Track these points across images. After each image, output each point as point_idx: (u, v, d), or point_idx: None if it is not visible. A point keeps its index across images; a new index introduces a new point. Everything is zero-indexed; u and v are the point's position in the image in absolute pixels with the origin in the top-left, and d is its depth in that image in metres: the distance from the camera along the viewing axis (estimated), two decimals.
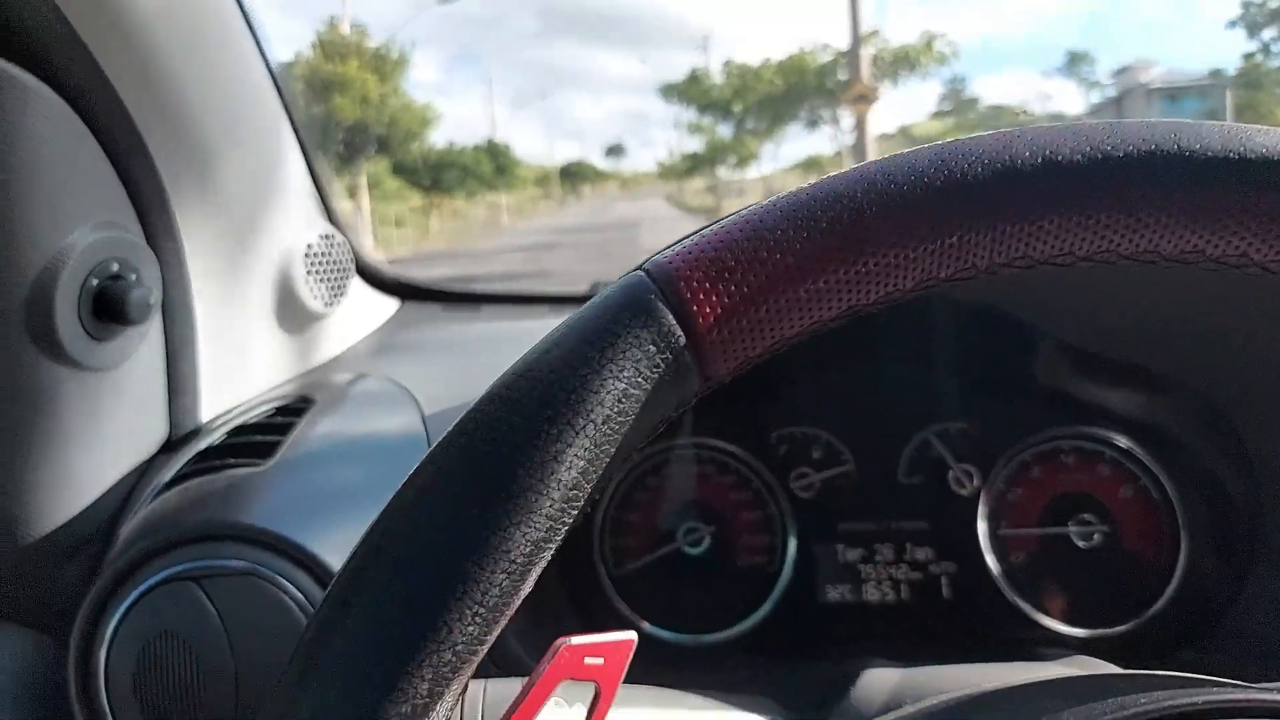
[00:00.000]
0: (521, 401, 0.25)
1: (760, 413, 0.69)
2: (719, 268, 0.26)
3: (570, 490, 0.25)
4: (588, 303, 0.27)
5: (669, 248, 0.27)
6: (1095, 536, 0.66)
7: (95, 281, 0.53)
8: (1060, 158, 0.27)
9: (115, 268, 0.54)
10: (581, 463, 0.25)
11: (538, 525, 0.24)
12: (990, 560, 0.67)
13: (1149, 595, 0.65)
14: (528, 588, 0.25)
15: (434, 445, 0.26)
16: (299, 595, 0.49)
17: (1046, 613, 0.66)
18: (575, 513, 0.25)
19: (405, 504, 0.25)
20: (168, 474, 0.58)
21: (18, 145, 0.48)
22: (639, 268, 0.27)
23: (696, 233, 0.28)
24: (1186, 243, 0.27)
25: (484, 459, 0.25)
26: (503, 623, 0.25)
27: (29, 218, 0.49)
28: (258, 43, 0.65)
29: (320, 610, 0.25)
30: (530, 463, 0.24)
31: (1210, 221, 0.27)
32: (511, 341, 0.88)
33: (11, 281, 0.50)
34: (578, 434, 0.25)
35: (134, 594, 0.49)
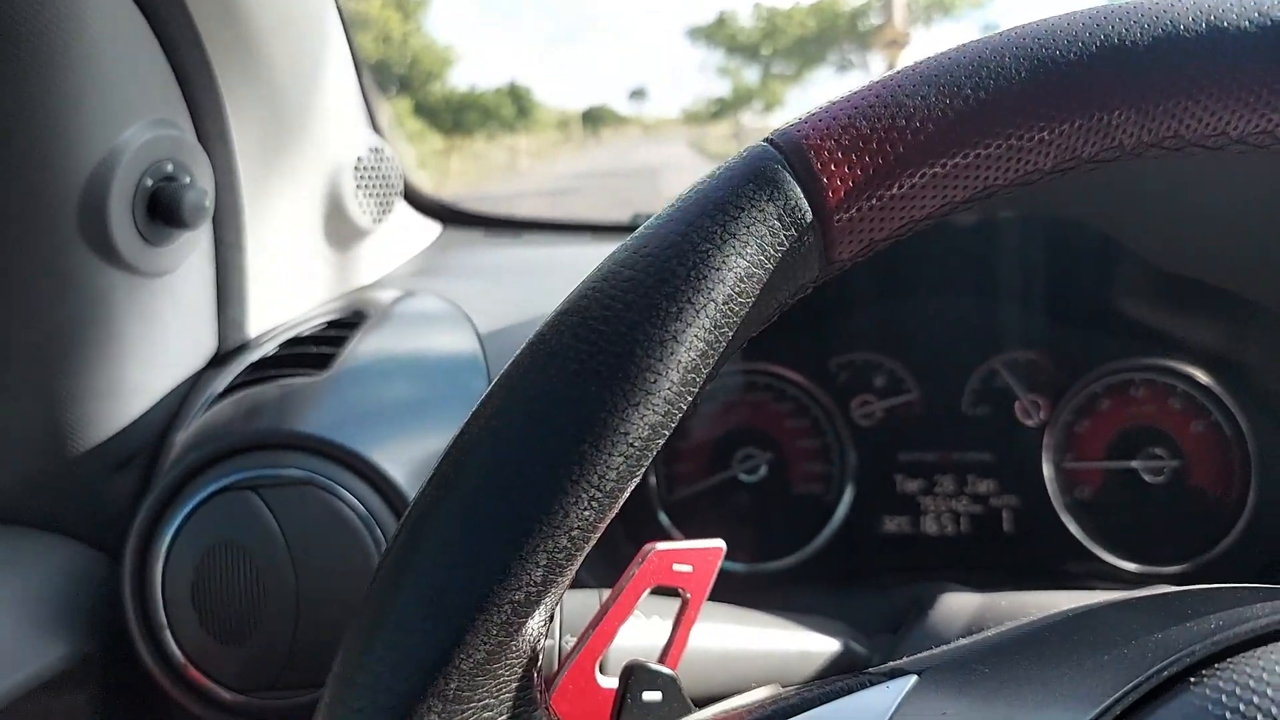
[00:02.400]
0: (637, 278, 0.23)
1: (821, 339, 0.67)
2: (853, 136, 0.24)
3: (689, 373, 0.23)
4: (708, 174, 0.25)
5: (796, 118, 0.25)
6: (1164, 471, 0.64)
7: (150, 182, 0.52)
8: (1226, 24, 0.24)
9: (169, 168, 0.53)
10: (701, 344, 0.23)
11: (656, 407, 0.23)
12: (1054, 494, 0.65)
13: (1217, 532, 0.64)
14: (641, 472, 0.23)
15: (542, 325, 0.24)
16: (358, 505, 0.48)
17: (1110, 548, 0.64)
18: (692, 397, 0.24)
19: (514, 383, 0.24)
20: (220, 385, 0.57)
21: (77, 35, 0.46)
22: (765, 139, 0.25)
23: (824, 103, 0.26)
24: None
25: (599, 337, 0.23)
26: (617, 508, 0.23)
27: (85, 112, 0.48)
28: None
29: (426, 489, 0.23)
30: (649, 341, 0.22)
31: None
32: (557, 268, 0.87)
33: (65, 178, 0.48)
34: (698, 313, 0.23)
35: (191, 504, 0.48)
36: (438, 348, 0.61)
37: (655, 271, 0.23)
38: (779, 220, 0.24)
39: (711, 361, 0.24)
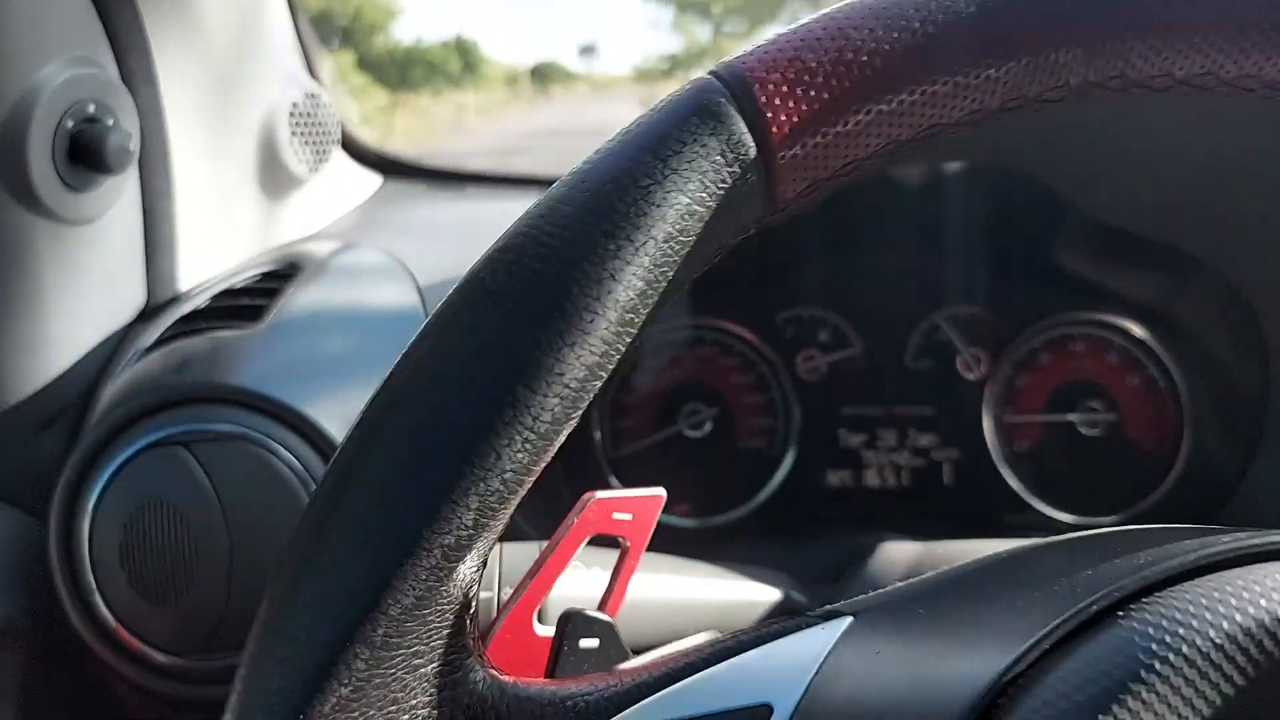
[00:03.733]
0: (576, 215, 0.23)
1: (766, 294, 0.67)
2: (798, 69, 0.23)
3: (627, 313, 0.23)
4: (651, 108, 0.24)
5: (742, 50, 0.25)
6: (1099, 425, 0.66)
7: (70, 123, 0.49)
8: None
9: (91, 109, 0.50)
10: (640, 284, 0.23)
11: (593, 348, 0.22)
12: (994, 447, 0.66)
13: (1151, 484, 0.65)
14: (577, 416, 0.23)
15: (475, 263, 0.24)
16: (294, 460, 0.47)
17: (1048, 501, 0.65)
18: (630, 339, 0.23)
19: (445, 322, 0.23)
20: (149, 338, 0.55)
21: None
22: (710, 71, 0.25)
23: (771, 35, 0.26)
24: None
25: (534, 275, 0.22)
26: (552, 452, 0.23)
27: None
28: None
29: (353, 433, 0.23)
30: (586, 279, 0.22)
31: None
32: (503, 223, 0.85)
33: None
34: (637, 251, 0.22)
35: (118, 460, 0.46)
36: (376, 301, 0.60)
37: (594, 208, 0.23)
38: (722, 156, 0.23)
39: (651, 301, 0.23)
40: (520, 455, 0.21)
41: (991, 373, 0.66)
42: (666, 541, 0.64)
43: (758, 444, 0.67)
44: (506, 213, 0.78)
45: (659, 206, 0.22)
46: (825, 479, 0.67)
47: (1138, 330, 0.65)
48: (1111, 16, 0.24)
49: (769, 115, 0.23)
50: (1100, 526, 0.65)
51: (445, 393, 0.22)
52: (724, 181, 0.23)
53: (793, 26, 0.25)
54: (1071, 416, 0.66)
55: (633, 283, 0.22)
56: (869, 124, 0.24)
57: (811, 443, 0.67)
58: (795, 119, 0.23)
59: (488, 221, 0.85)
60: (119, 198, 0.55)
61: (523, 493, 0.22)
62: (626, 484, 0.66)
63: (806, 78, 0.23)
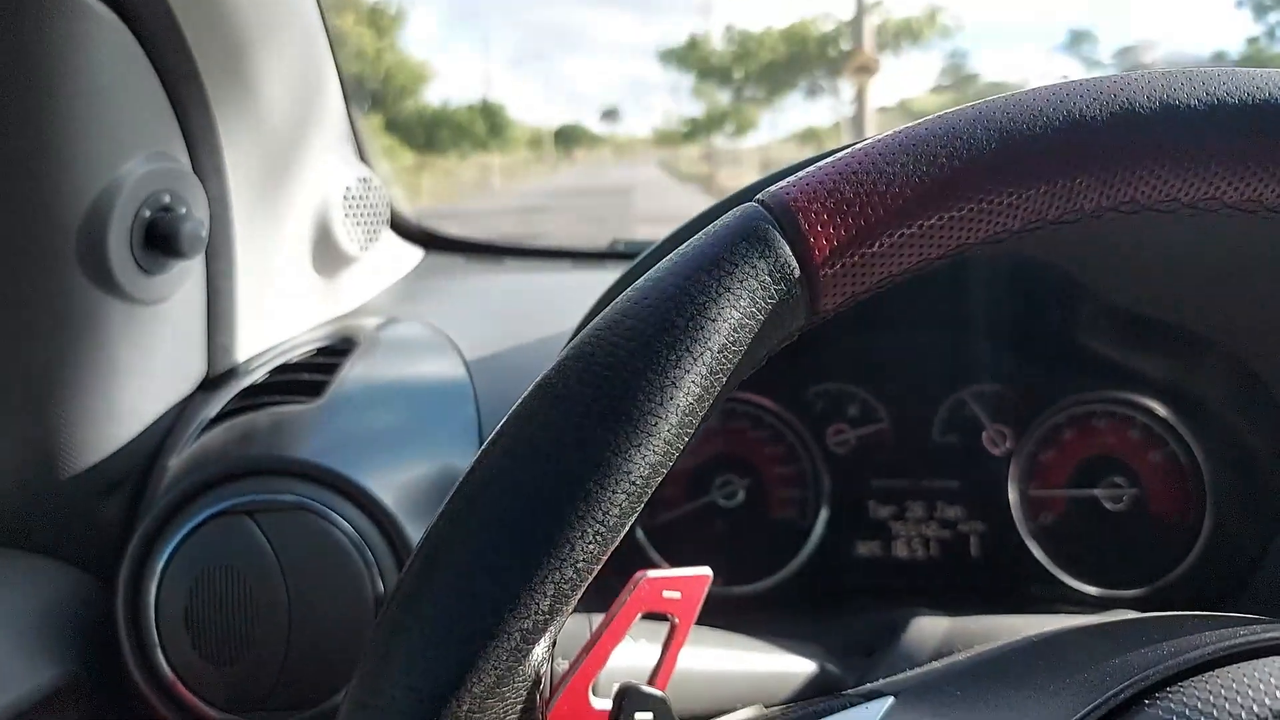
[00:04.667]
0: (640, 328, 0.25)
1: (797, 369, 0.70)
2: (837, 199, 0.26)
3: (685, 416, 0.25)
4: (701, 231, 0.27)
5: (783, 178, 0.27)
6: (1123, 499, 0.67)
7: (148, 213, 0.53)
8: (1177, 102, 0.27)
9: (166, 199, 0.54)
10: (698, 389, 0.25)
11: (656, 448, 0.24)
12: (1019, 520, 0.67)
13: (1174, 558, 0.66)
14: (641, 508, 0.25)
15: (547, 370, 0.26)
16: (351, 530, 0.49)
17: (1073, 573, 0.66)
18: (689, 438, 0.25)
19: (523, 423, 0.25)
20: (211, 410, 0.58)
21: (81, 70, 0.48)
22: (753, 198, 0.27)
23: (808, 163, 0.28)
24: None
25: (604, 381, 0.25)
26: (618, 541, 0.25)
27: (87, 144, 0.49)
28: None
29: (437, 524, 0.25)
30: (650, 387, 0.24)
31: None
32: (537, 294, 0.89)
33: (66, 209, 0.49)
34: (695, 361, 0.25)
35: (186, 527, 0.49)
36: (426, 374, 0.63)
37: (656, 321, 0.25)
38: (769, 275, 0.26)
39: (707, 405, 0.26)
40: (592, 546, 0.24)
41: (1016, 448, 0.68)
42: (702, 609, 0.65)
43: (789, 514, 0.69)
44: (537, 284, 0.82)
45: (714, 321, 0.25)
46: (855, 549, 0.68)
47: (1159, 408, 0.67)
48: (1121, 150, 0.27)
49: (811, 240, 0.26)
50: (1126, 600, 0.66)
51: (523, 489, 0.24)
52: (771, 298, 0.26)
53: (832, 159, 0.27)
54: (1095, 491, 0.67)
55: (691, 389, 0.25)
56: (901, 245, 0.27)
57: (842, 514, 0.68)
58: (835, 243, 0.26)
59: (522, 294, 0.89)
60: (187, 278, 0.58)
61: (590, 579, 0.25)
62: (662, 551, 0.68)
63: (845, 207, 0.26)
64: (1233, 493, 0.66)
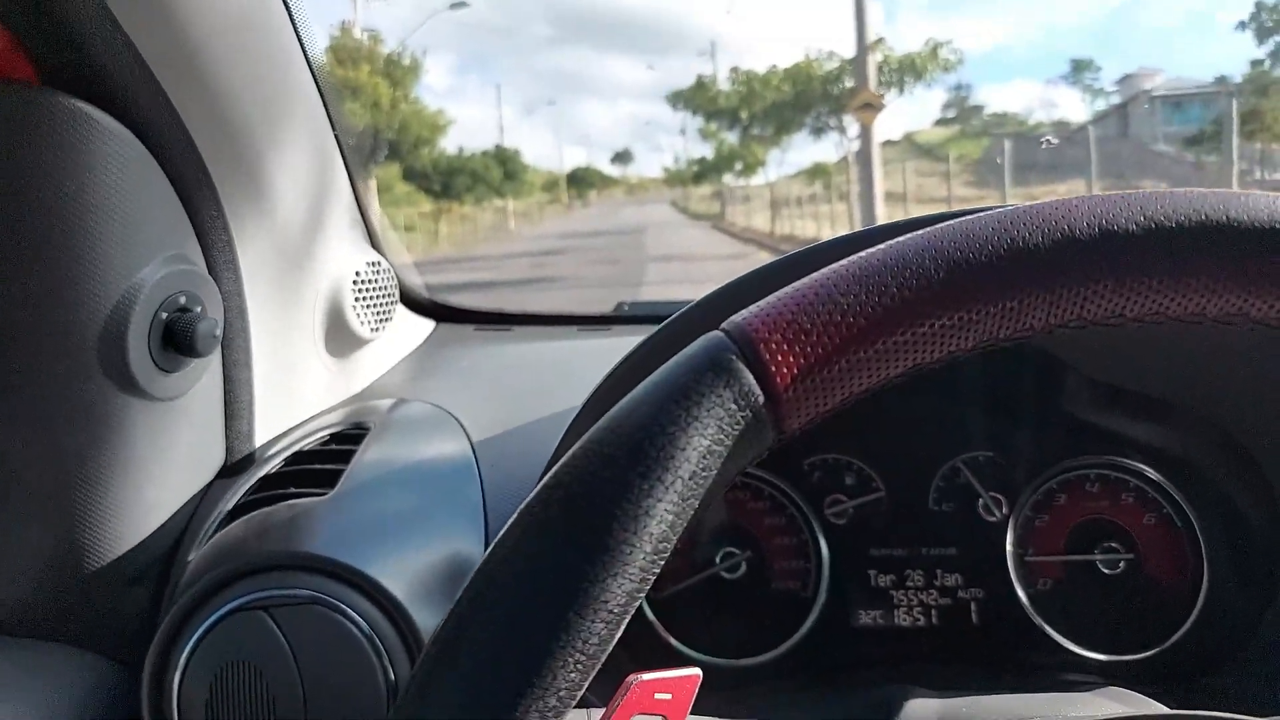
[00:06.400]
0: (614, 457, 0.27)
1: (793, 441, 0.71)
2: (795, 329, 0.28)
3: (660, 542, 0.27)
4: (669, 361, 0.29)
5: (745, 309, 0.29)
6: (1120, 564, 0.68)
7: (165, 314, 0.55)
8: (1115, 227, 0.29)
9: (183, 300, 0.57)
10: (670, 516, 0.27)
11: (631, 576, 0.26)
12: (1018, 586, 0.68)
13: (1173, 622, 0.67)
14: (619, 634, 0.27)
15: (529, 498, 0.28)
16: (361, 622, 0.51)
17: (1072, 638, 0.67)
18: (662, 562, 0.27)
19: (507, 555, 0.27)
20: (229, 502, 0.60)
21: (98, 182, 0.51)
22: (718, 327, 0.29)
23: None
24: (1232, 306, 0.29)
25: (581, 513, 0.26)
26: (597, 668, 0.27)
27: (105, 253, 0.52)
28: (314, 74, 0.68)
29: (427, 653, 0.27)
30: (625, 517, 0.26)
31: (1255, 288, 0.29)
32: (544, 363, 0.91)
33: (87, 314, 0.52)
34: (667, 489, 0.26)
35: (207, 622, 0.51)
36: (433, 458, 0.65)
37: (629, 451, 0.27)
38: (735, 403, 0.27)
39: (679, 529, 0.27)
40: (573, 675, 0.25)
41: (1011, 514, 0.69)
42: (707, 681, 0.66)
43: (791, 585, 0.70)
44: (545, 353, 0.84)
45: (683, 450, 0.27)
46: (857, 619, 0.69)
47: (1151, 472, 0.68)
48: (1064, 272, 0.28)
49: (772, 368, 0.28)
50: (1128, 665, 0.67)
51: (508, 622, 0.26)
52: (737, 424, 0.28)
53: (790, 289, 0.29)
54: (1093, 556, 0.68)
55: (664, 516, 0.26)
56: (858, 366, 0.29)
57: (842, 584, 0.69)
58: (796, 370, 0.28)
59: (529, 363, 0.92)
60: (204, 373, 0.61)
61: (573, 705, 0.26)
62: (666, 623, 0.69)
63: (802, 336, 0.28)
64: (1228, 553, 0.67)
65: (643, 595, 0.27)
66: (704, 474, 0.27)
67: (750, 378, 0.28)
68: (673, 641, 0.68)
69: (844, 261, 0.30)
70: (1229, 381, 0.58)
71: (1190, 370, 0.58)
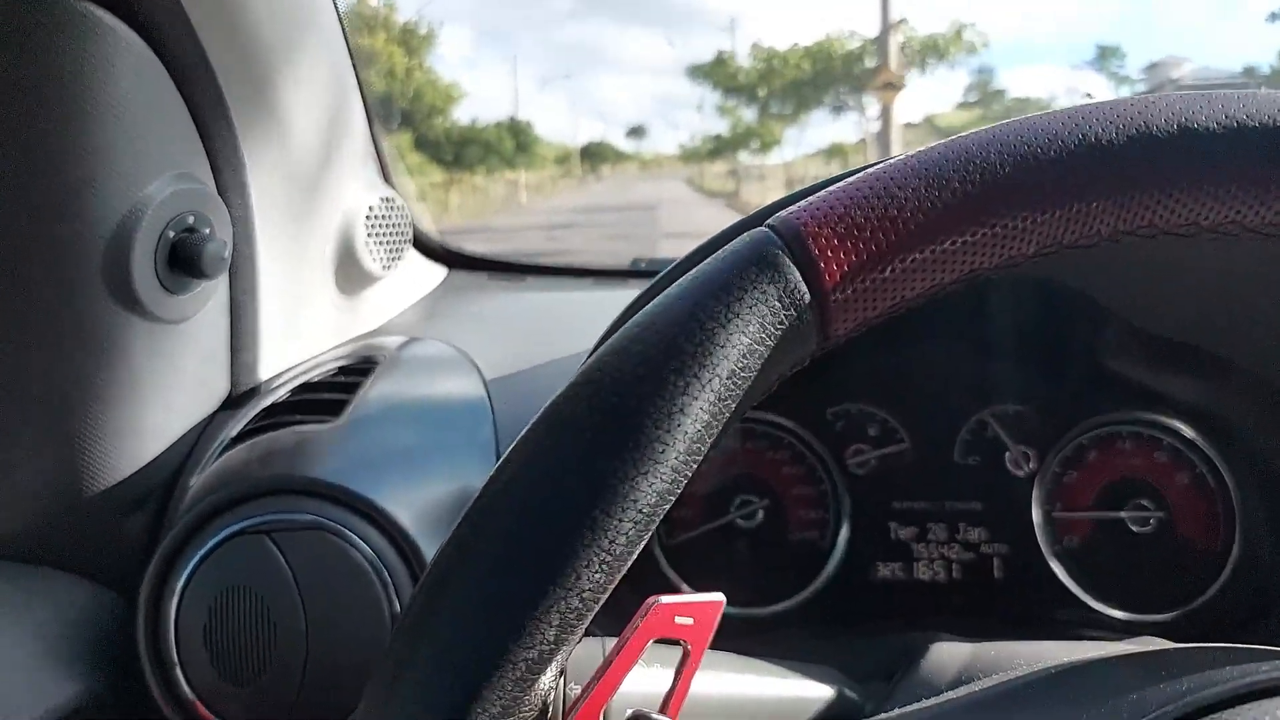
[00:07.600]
0: (648, 354, 0.25)
1: (816, 389, 0.69)
2: (848, 224, 0.26)
3: (694, 443, 0.25)
4: (710, 256, 0.27)
5: (793, 204, 0.27)
6: (1150, 522, 0.66)
7: (172, 233, 0.54)
8: (1195, 126, 0.26)
9: (191, 220, 0.55)
10: (706, 416, 0.25)
11: (663, 476, 0.24)
12: (1043, 543, 0.66)
13: (1201, 582, 0.65)
14: (648, 536, 0.25)
15: (556, 395, 0.26)
16: (367, 549, 0.49)
17: (1097, 596, 0.65)
18: (697, 465, 0.25)
19: (531, 451, 0.25)
20: (233, 429, 0.58)
21: (107, 92, 0.49)
22: (763, 223, 0.27)
23: (820, 187, 0.28)
24: None
25: (612, 409, 0.24)
26: (625, 570, 0.25)
27: (112, 165, 0.50)
28: (335, 5, 0.65)
29: (444, 551, 0.25)
30: (658, 414, 0.24)
31: None
32: (558, 313, 0.89)
33: (91, 229, 0.50)
34: (703, 387, 0.24)
35: (206, 547, 0.49)
36: (445, 394, 0.63)
37: (664, 347, 0.25)
38: (779, 301, 0.25)
39: (715, 431, 0.25)
40: (598, 575, 0.24)
41: (1040, 469, 0.67)
42: (719, 630, 0.65)
43: (809, 535, 0.68)
44: (559, 302, 0.82)
45: (722, 347, 0.25)
46: (876, 571, 0.68)
47: (1186, 430, 0.66)
48: (1138, 174, 0.26)
49: (821, 265, 0.25)
50: (1152, 624, 0.65)
51: (530, 518, 0.24)
52: (781, 323, 0.25)
53: (843, 184, 0.27)
54: (1121, 514, 0.66)
55: (699, 415, 0.24)
56: (913, 270, 0.26)
57: (862, 535, 0.68)
58: (845, 268, 0.26)
59: (543, 310, 0.89)
60: (211, 297, 0.59)
61: (597, 609, 0.24)
62: (679, 572, 0.67)
63: (856, 232, 0.26)
64: (1262, 516, 0.65)
65: (674, 497, 0.25)
66: (743, 374, 0.25)
67: (797, 275, 0.25)
68: (685, 588, 0.66)
69: (902, 155, 0.28)
70: (1275, 332, 0.56)
71: (1241, 321, 0.56)
